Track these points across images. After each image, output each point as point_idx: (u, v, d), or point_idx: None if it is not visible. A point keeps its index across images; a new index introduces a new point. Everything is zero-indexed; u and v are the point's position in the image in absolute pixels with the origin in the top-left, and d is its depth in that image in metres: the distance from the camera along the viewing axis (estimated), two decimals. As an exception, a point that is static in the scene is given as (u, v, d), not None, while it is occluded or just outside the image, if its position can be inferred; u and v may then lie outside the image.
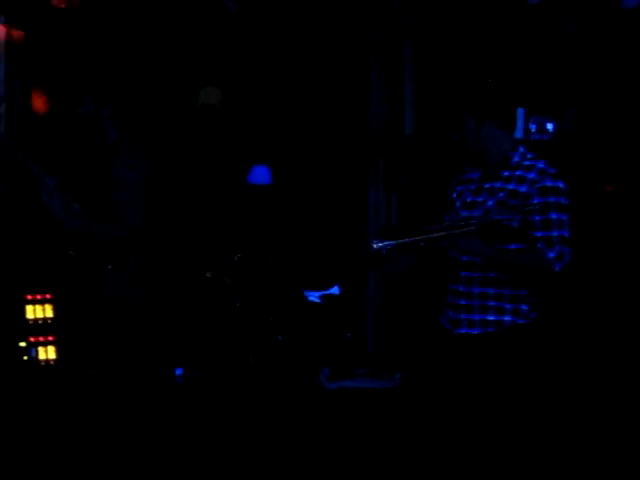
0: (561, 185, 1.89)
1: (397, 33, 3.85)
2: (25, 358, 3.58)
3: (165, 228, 2.47)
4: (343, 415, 3.33)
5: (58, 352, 3.63)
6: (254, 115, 4.21)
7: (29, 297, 3.60)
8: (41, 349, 3.64)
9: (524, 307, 1.92)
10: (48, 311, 3.63)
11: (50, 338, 3.64)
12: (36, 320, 3.61)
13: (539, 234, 1.86)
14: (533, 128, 3.61)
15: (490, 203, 1.95)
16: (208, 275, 3.92)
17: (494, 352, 1.92)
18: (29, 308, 3.60)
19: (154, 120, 2.55)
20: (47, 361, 3.63)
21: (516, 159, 1.97)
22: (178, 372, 3.57)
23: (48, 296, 3.64)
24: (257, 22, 3.92)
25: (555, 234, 1.85)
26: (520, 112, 3.46)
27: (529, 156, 1.98)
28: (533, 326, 1.93)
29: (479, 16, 3.62)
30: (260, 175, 4.20)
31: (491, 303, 1.92)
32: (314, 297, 4.16)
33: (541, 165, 1.92)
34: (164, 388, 2.52)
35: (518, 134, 3.67)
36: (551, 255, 1.84)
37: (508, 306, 1.91)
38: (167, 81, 3.96)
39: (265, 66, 4.13)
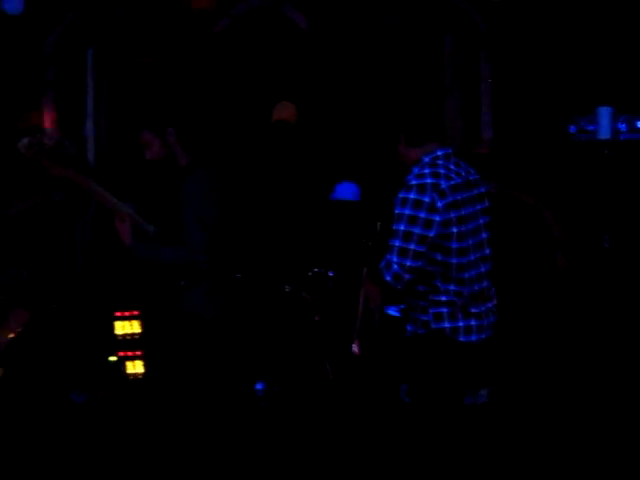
0: (402, 195, 1.92)
1: (472, 40, 3.79)
2: (114, 372, 3.75)
3: (238, 246, 2.50)
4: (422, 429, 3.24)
5: (145, 366, 3.77)
6: (333, 130, 4.22)
7: (118, 314, 3.78)
8: (130, 363, 3.80)
9: (421, 317, 2.01)
10: (136, 327, 3.79)
11: (138, 353, 3.79)
12: (124, 335, 3.78)
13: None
14: (623, 128, 3.42)
15: None
16: (287, 290, 3.94)
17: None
18: (118, 324, 3.78)
19: (223, 142, 2.59)
20: (135, 375, 3.78)
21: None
22: (259, 387, 3.60)
23: (135, 313, 3.80)
24: (331, 35, 3.96)
25: (390, 243, 1.92)
26: (606, 111, 3.28)
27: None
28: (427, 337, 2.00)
29: (554, 20, 3.50)
30: (345, 191, 4.18)
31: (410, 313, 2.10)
32: (393, 312, 4.08)
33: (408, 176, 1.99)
34: (240, 401, 2.53)
35: (604, 134, 3.46)
36: (381, 265, 1.94)
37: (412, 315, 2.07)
38: (237, 101, 4.04)
39: (343, 80, 4.14)
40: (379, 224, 3.08)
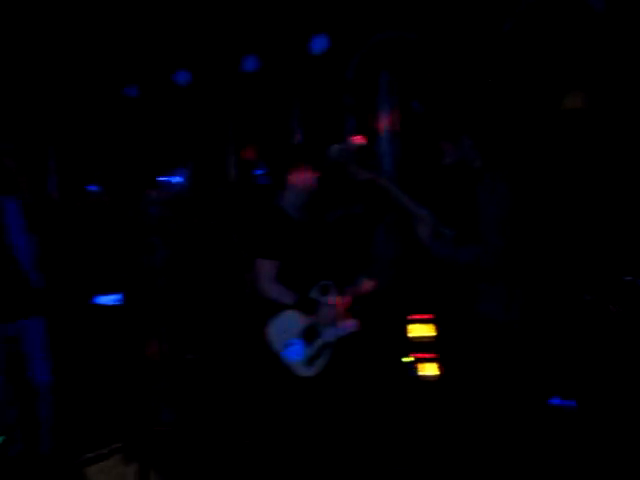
0: None
1: None
2: (408, 374, 3.96)
3: (533, 248, 2.42)
4: None
5: (439, 369, 3.89)
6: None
7: (413, 317, 3.98)
8: (424, 365, 3.97)
9: None
10: (430, 330, 3.94)
11: (432, 355, 3.93)
12: (419, 338, 3.97)
13: None
14: None
15: None
16: (587, 298, 3.64)
17: None
18: (413, 327, 3.98)
19: (516, 140, 2.56)
20: (427, 377, 3.93)
21: None
22: (555, 402, 3.40)
23: (430, 316, 3.95)
24: (627, 19, 3.58)
25: None
26: None
27: None
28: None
29: None
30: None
31: None
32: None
33: None
34: (533, 414, 2.42)
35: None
36: None
37: None
38: (525, 97, 3.89)
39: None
40: None
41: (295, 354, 2.78)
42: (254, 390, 3.48)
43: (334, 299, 2.92)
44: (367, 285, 3.11)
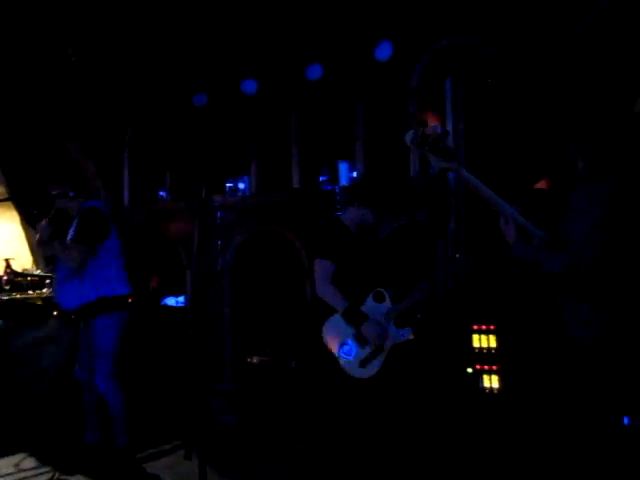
0: None
1: None
2: (471, 385, 3.88)
3: (627, 264, 2.23)
4: None
5: (502, 381, 3.80)
6: None
7: (475, 327, 3.91)
8: (486, 377, 3.88)
9: None
10: (492, 341, 3.86)
11: (494, 367, 3.84)
12: (481, 349, 3.89)
13: None
14: None
15: None
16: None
17: None
18: (475, 337, 3.91)
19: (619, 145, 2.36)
20: (491, 389, 3.84)
21: None
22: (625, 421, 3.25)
23: (492, 327, 3.87)
24: None
25: None
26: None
27: None
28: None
29: None
30: None
31: None
32: None
33: None
34: (606, 438, 2.28)
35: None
36: None
37: None
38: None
39: None
40: None
41: (348, 354, 2.84)
42: (313, 392, 3.51)
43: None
44: (423, 294, 3.17)
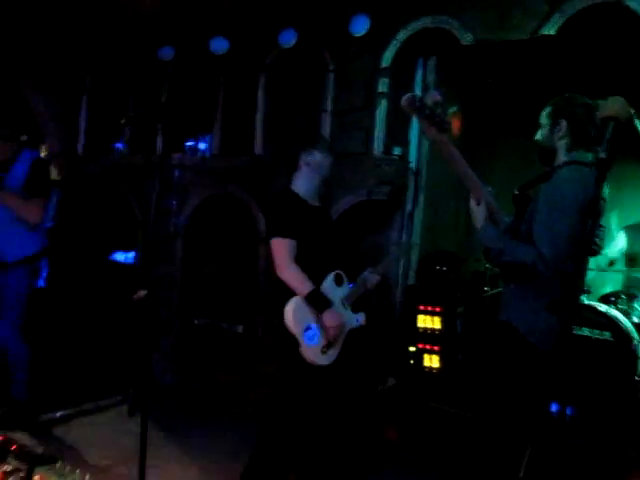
0: None
1: None
2: (411, 362, 4.01)
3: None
4: None
5: (442, 361, 3.94)
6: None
7: (421, 307, 4.02)
8: (427, 356, 4.01)
9: None
10: (437, 322, 3.98)
11: (435, 348, 3.97)
12: (425, 329, 4.01)
13: None
14: None
15: None
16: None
17: None
18: (420, 318, 4.02)
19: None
20: (430, 368, 3.97)
21: None
22: (554, 408, 3.43)
23: (438, 309, 3.98)
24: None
25: None
26: None
27: None
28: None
29: None
30: None
31: None
32: None
33: None
34: (534, 420, 2.38)
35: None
36: None
37: None
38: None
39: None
40: None
41: (311, 339, 2.73)
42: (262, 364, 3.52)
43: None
44: (377, 277, 3.04)
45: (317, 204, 2.99)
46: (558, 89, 2.56)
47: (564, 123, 2.37)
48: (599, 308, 3.57)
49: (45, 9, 4.90)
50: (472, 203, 2.40)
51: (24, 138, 3.36)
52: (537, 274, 2.19)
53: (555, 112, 2.41)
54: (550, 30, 3.65)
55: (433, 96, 2.36)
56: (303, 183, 2.94)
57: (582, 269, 1.86)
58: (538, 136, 2.47)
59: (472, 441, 2.47)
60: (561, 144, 2.39)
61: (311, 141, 3.00)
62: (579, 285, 1.93)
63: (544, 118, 2.44)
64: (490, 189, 2.46)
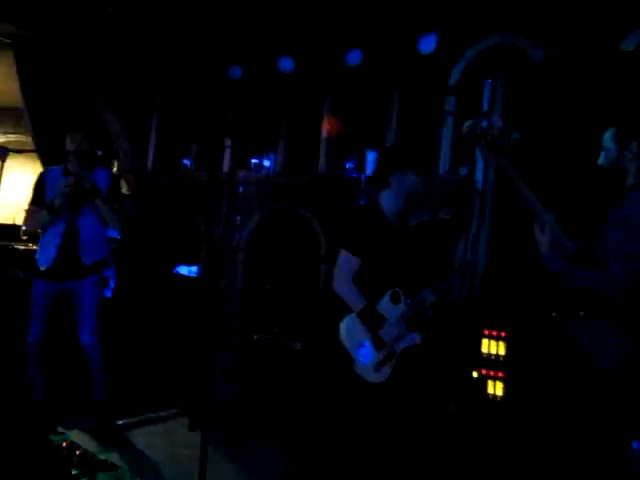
0: None
1: None
2: (475, 388, 3.88)
3: None
4: None
5: (505, 389, 3.79)
6: None
7: (486, 332, 3.89)
8: (490, 383, 3.87)
9: None
10: (501, 348, 3.84)
11: (500, 374, 3.83)
12: (489, 355, 3.87)
13: None
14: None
15: None
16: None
17: None
18: (485, 342, 3.89)
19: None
20: (494, 396, 3.83)
21: None
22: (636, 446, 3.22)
23: (503, 334, 3.84)
24: None
25: None
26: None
27: None
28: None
29: None
30: None
31: None
32: None
33: None
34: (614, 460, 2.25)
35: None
36: None
37: None
38: None
39: None
40: None
41: (364, 356, 2.73)
42: (319, 381, 3.50)
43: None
44: (436, 296, 2.97)
45: (398, 224, 2.94)
46: (620, 110, 2.48)
47: (635, 145, 2.27)
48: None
49: (118, 28, 5.13)
50: (536, 229, 2.35)
51: (100, 153, 3.51)
52: (610, 301, 2.10)
53: (623, 134, 2.32)
54: (629, 46, 3.52)
55: (494, 122, 2.33)
56: (389, 201, 2.91)
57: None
58: (602, 160, 2.38)
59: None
60: (631, 166, 2.30)
61: (406, 161, 2.90)
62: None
63: (608, 141, 2.37)
64: (554, 213, 2.38)
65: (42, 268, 3.64)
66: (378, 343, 2.77)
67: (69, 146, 3.55)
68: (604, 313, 2.17)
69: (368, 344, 2.75)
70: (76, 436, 3.56)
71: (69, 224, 3.61)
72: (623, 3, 3.57)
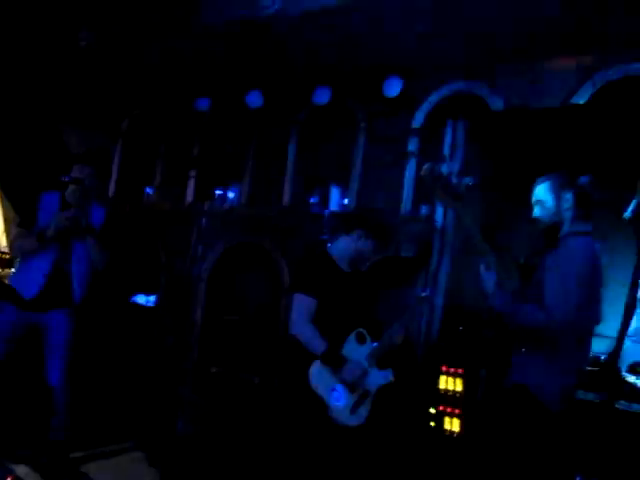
0: None
1: None
2: (432, 424, 3.92)
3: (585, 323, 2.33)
4: None
5: (462, 425, 3.84)
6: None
7: (444, 369, 3.96)
8: (447, 419, 3.92)
9: None
10: (458, 384, 3.91)
11: (457, 411, 3.89)
12: (447, 391, 3.93)
13: None
14: None
15: None
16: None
17: None
18: (442, 379, 3.95)
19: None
20: (451, 432, 3.88)
21: None
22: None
23: (460, 370, 3.92)
24: None
25: None
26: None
27: None
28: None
29: None
30: None
31: None
32: None
33: None
34: None
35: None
36: None
37: None
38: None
39: None
40: None
41: (338, 400, 2.72)
42: (283, 419, 3.46)
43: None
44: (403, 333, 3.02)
45: (350, 270, 3.00)
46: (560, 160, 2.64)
47: (570, 196, 2.42)
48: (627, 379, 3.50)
49: (86, 56, 5.11)
50: (482, 268, 2.47)
51: (65, 179, 3.42)
52: (549, 337, 2.26)
53: (559, 186, 2.47)
54: (580, 99, 3.73)
55: (451, 167, 2.49)
56: (341, 249, 2.98)
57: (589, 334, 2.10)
58: (537, 213, 2.51)
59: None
60: (567, 215, 2.45)
61: (374, 229, 2.98)
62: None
63: (543, 194, 2.50)
64: (497, 255, 2.51)
65: (23, 294, 3.39)
66: (349, 385, 2.77)
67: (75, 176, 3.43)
68: (545, 350, 2.30)
69: (340, 387, 2.75)
70: (22, 471, 3.42)
71: (61, 254, 3.41)
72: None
